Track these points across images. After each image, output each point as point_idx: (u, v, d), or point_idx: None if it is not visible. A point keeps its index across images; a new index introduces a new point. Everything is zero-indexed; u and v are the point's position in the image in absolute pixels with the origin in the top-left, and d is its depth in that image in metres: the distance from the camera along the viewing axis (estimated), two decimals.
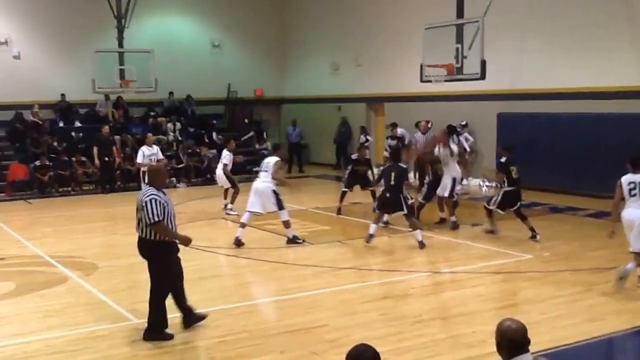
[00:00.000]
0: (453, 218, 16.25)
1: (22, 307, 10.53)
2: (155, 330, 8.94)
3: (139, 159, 19.00)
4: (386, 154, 25.69)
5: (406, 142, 23.71)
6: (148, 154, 19.03)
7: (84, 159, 24.78)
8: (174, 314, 9.17)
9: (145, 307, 10.06)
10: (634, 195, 10.77)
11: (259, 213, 14.66)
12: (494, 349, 4.95)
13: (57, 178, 24.04)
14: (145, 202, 8.63)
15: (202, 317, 9.38)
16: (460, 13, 22.66)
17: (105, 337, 9.02)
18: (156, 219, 8.60)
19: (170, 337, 8.91)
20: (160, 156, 19.59)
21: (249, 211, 14.62)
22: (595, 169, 19.89)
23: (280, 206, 14.57)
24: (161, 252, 8.88)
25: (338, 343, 8.44)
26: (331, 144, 29.84)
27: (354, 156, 19.17)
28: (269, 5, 33.67)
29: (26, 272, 12.74)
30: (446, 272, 12.45)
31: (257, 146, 29.60)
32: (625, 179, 10.89)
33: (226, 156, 18.80)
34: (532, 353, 4.88)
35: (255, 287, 11.58)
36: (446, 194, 16.19)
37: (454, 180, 16.23)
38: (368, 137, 27.31)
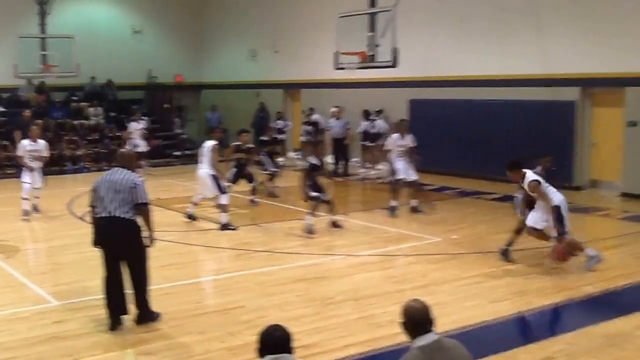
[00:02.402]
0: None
1: None
2: (149, 311, 8.97)
3: (20, 152, 16.50)
4: (303, 139, 26.14)
5: (320, 127, 24.28)
6: (30, 149, 16.48)
7: (5, 142, 24.71)
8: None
9: (66, 290, 10.22)
10: None
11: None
12: None
13: None
14: (137, 183, 8.64)
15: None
16: (372, 1, 23.12)
17: (26, 319, 9.08)
18: (148, 200, 8.78)
19: (158, 315, 9.03)
20: (44, 154, 16.80)
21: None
22: (500, 153, 20.59)
23: (221, 190, 14.78)
24: (140, 234, 8.82)
25: (253, 324, 8.57)
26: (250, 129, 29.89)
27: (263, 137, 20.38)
28: None
29: None
30: (360, 255, 12.68)
31: (177, 131, 29.85)
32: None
33: None
34: (440, 333, 5.10)
35: (174, 270, 11.67)
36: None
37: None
38: (288, 122, 27.60)
